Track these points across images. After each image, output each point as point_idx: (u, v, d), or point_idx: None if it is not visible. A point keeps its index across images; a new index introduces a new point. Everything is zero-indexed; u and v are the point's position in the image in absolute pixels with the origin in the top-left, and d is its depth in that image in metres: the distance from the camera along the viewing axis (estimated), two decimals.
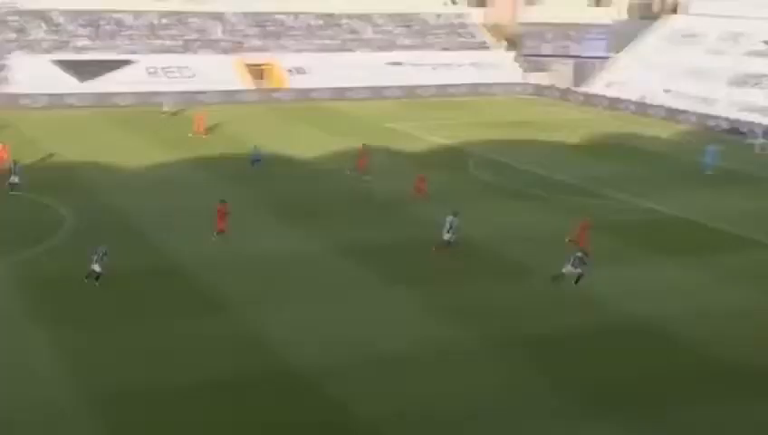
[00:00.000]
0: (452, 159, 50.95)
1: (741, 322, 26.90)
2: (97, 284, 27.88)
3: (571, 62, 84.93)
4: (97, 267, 28.01)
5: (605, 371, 23.36)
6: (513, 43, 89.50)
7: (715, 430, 20.39)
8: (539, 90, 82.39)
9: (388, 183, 44.07)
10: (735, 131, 61.48)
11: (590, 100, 76.76)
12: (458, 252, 33.00)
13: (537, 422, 20.48)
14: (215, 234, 33.34)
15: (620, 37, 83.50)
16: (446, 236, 32.70)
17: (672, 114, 68.71)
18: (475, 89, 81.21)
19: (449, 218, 32.92)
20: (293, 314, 26.71)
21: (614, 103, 74.12)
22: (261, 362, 23.33)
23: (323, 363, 23.30)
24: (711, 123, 64.69)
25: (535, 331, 25.84)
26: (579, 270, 29.33)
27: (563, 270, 29.59)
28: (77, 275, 28.45)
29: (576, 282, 29.21)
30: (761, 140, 56.83)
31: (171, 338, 24.71)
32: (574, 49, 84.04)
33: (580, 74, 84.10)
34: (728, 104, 66.83)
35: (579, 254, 29.72)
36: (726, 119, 64.40)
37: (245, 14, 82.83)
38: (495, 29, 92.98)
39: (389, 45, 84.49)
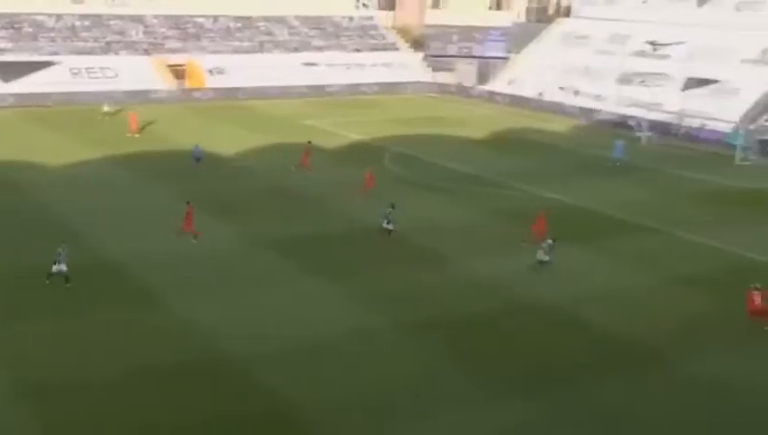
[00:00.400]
0: (368, 154, 51.37)
1: (635, 302, 27.92)
2: (68, 285, 27.02)
3: (474, 62, 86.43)
4: (64, 267, 27.05)
5: (515, 352, 23.90)
6: (420, 44, 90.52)
7: (619, 401, 21.10)
8: (446, 88, 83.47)
9: (310, 178, 44.38)
10: (624, 125, 63.72)
11: (493, 97, 78.21)
12: (378, 242, 33.58)
13: (453, 405, 20.76)
14: (193, 236, 32.46)
15: (519, 39, 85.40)
16: (386, 226, 33.44)
17: (567, 110, 70.63)
18: (386, 88, 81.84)
19: (387, 211, 33.67)
20: (223, 305, 26.58)
21: (515, 100, 75.63)
22: (191, 352, 23.15)
23: (252, 352, 23.23)
24: (602, 118, 66.87)
25: (450, 315, 26.26)
26: (548, 257, 30.35)
27: (538, 257, 30.51)
28: (6, 273, 27.94)
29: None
30: (647, 134, 59.13)
31: (101, 330, 24.28)
32: (477, 50, 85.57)
33: (484, 73, 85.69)
34: (617, 100, 69.19)
35: (550, 241, 30.68)
36: (615, 114, 66.66)
37: (165, 17, 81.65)
38: (403, 31, 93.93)
39: (304, 46, 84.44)
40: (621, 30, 77.15)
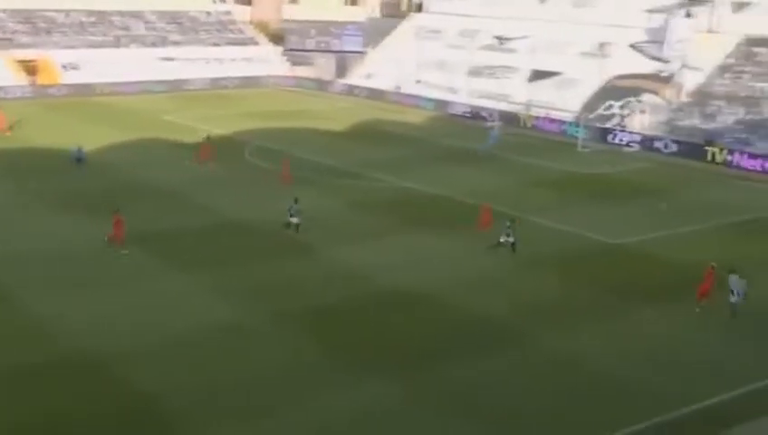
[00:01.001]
0: (228, 147, 50.53)
1: (491, 285, 28.57)
2: None
3: (333, 56, 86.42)
4: None
5: (379, 338, 24.03)
6: (279, 38, 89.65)
7: (478, 380, 21.53)
8: (305, 82, 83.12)
9: (171, 174, 43.20)
10: (477, 116, 65.36)
11: (352, 90, 78.43)
12: (241, 234, 33.08)
13: (319, 391, 20.71)
14: (121, 247, 30.36)
15: (374, 33, 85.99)
16: (294, 220, 32.98)
17: (423, 102, 71.79)
18: (246, 82, 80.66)
19: (294, 206, 33.18)
20: (85, 303, 25.49)
21: (373, 93, 76.10)
22: (52, 351, 22.14)
23: (115, 351, 22.41)
24: (457, 110, 68.33)
25: (316, 305, 26.11)
26: (512, 239, 31.06)
27: (501, 239, 31.22)
28: None
29: (513, 249, 30.99)
30: (497, 123, 60.82)
31: None
32: (335, 44, 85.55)
33: (342, 67, 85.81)
34: (468, 92, 70.87)
35: (508, 223, 31.46)
36: (468, 105, 68.28)
37: (13, 11, 77.28)
38: (261, 25, 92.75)
39: (162, 41, 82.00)
40: (470, 25, 78.97)
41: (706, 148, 51.35)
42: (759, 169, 48.16)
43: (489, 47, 75.71)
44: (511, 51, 73.99)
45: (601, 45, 66.97)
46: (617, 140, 56.15)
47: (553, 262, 31.03)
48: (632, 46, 66.39)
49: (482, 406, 20.25)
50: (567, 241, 33.73)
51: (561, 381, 21.50)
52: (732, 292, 25.44)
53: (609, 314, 26.04)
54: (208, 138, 47.19)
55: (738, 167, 49.05)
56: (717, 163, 49.94)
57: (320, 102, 73.43)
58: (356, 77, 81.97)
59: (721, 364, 22.60)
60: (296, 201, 33.68)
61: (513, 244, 31.47)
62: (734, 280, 25.51)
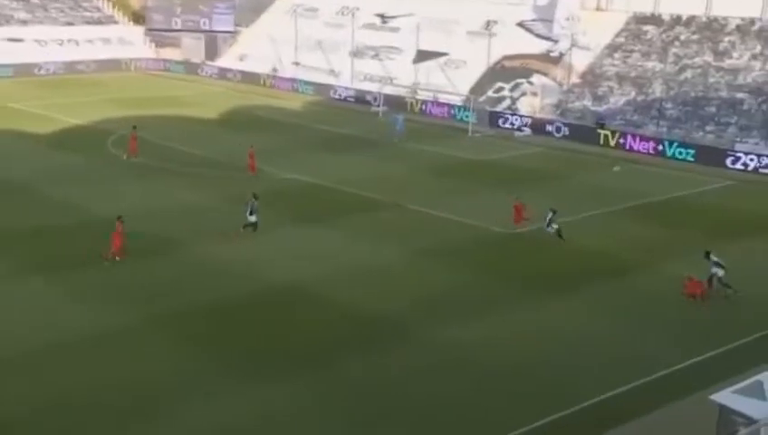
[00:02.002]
0: (88, 138, 48.95)
1: (380, 278, 28.77)
2: None
3: (201, 36, 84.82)
4: None
5: (263, 337, 23.84)
6: (141, 17, 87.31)
7: (368, 377, 21.63)
8: (173, 66, 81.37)
9: (22, 167, 41.43)
10: (361, 100, 65.55)
11: (224, 74, 77.35)
12: (105, 232, 32.06)
13: (202, 398, 20.41)
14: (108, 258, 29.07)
15: (246, 11, 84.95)
16: (252, 219, 32.18)
17: (302, 86, 71.44)
18: (106, 65, 78.24)
19: (251, 202, 32.38)
20: None
21: (248, 77, 75.24)
22: None
23: None
24: (339, 94, 68.30)
25: (193, 305, 25.66)
26: (556, 226, 31.98)
27: (548, 229, 32.15)
28: None
29: (561, 236, 32.06)
30: (384, 108, 61.20)
31: None
32: (203, 23, 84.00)
33: (213, 49, 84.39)
34: (351, 75, 70.99)
35: (550, 213, 32.24)
36: (352, 89, 68.37)
37: None
38: (121, 3, 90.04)
39: (6, 20, 78.44)
40: (350, 2, 78.95)
41: (599, 131, 53.18)
42: (651, 151, 50.22)
43: (371, 26, 75.96)
44: (394, 30, 74.48)
45: (488, 24, 68.34)
46: (508, 125, 57.44)
47: (446, 253, 31.45)
48: (520, 24, 68.05)
49: (376, 406, 20.32)
50: (459, 231, 34.24)
51: (459, 378, 21.77)
52: (717, 265, 27.57)
53: (508, 306, 26.58)
54: (135, 127, 45.60)
55: (630, 150, 51.01)
56: (610, 146, 51.78)
57: (189, 87, 72.07)
58: (228, 59, 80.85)
59: (625, 354, 23.37)
60: (255, 197, 32.70)
61: (558, 230, 32.31)
62: (714, 258, 27.76)
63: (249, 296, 26.75)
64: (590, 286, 28.35)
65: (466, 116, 57.82)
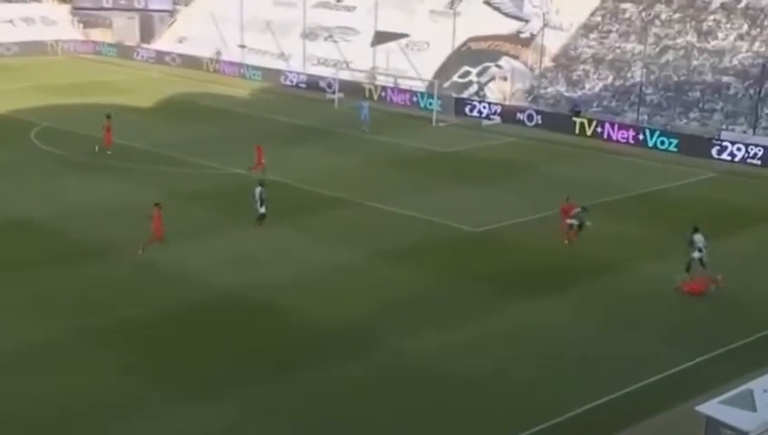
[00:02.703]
0: (8, 129, 48.39)
1: (343, 283, 28.83)
2: None
3: (135, 15, 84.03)
4: None
5: (210, 349, 23.76)
6: None
7: (330, 393, 21.59)
8: (105, 49, 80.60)
9: None
10: (315, 87, 65.43)
11: (162, 58, 76.74)
12: (28, 234, 31.77)
13: (142, 414, 20.32)
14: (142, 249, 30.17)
15: None
16: (262, 210, 33.27)
17: (249, 71, 71.16)
18: (28, 48, 77.25)
19: (258, 190, 33.36)
20: None
21: (189, 61, 74.78)
22: None
23: None
24: (290, 80, 68.13)
25: (127, 316, 25.49)
26: (589, 223, 32.69)
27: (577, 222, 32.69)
28: None
29: (581, 228, 32.77)
30: (339, 96, 61.19)
31: None
32: (138, 1, 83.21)
33: (148, 30, 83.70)
34: (303, 59, 70.81)
35: (580, 210, 32.87)
36: (304, 74, 68.25)
37: None
38: None
39: None
40: None
41: (574, 119, 53.74)
42: (630, 141, 50.85)
43: (324, 5, 75.86)
44: (350, 9, 74.43)
45: (452, 2, 68.61)
46: (475, 113, 57.79)
47: (410, 254, 31.63)
48: (487, 3, 68.41)
49: (333, 423, 20.39)
50: (424, 230, 34.42)
51: (423, 390, 21.92)
52: (698, 249, 29.11)
53: (477, 311, 26.82)
54: (109, 116, 45.29)
55: (609, 139, 51.60)
56: (587, 136, 52.33)
57: (122, 73, 71.51)
58: (166, 42, 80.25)
59: (605, 361, 23.69)
60: (262, 184, 33.69)
61: (580, 225, 32.90)
62: (698, 238, 29.38)
63: (193, 305, 26.63)
64: (566, 288, 28.72)
65: (430, 103, 58.06)
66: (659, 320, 26.57)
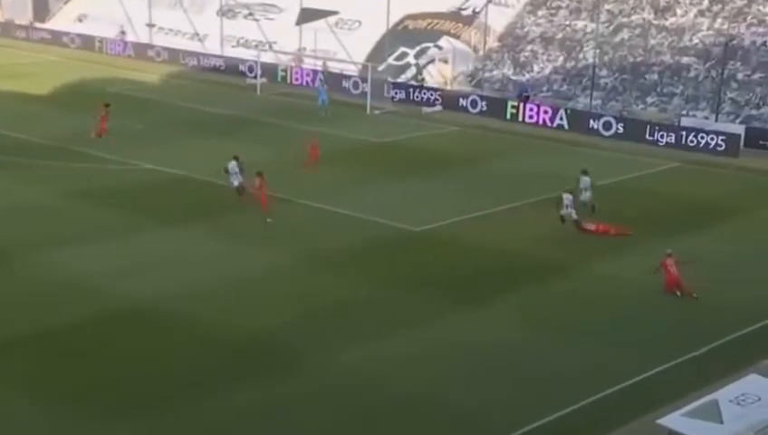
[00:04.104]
0: None
1: (263, 291, 28.74)
2: None
3: None
4: None
5: (115, 368, 23.50)
6: None
7: (234, 416, 21.44)
8: None
9: None
10: (234, 71, 65.11)
11: (59, 39, 75.81)
12: None
13: None
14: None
15: None
16: (236, 183, 36.64)
17: (160, 53, 70.52)
18: None
19: (231, 164, 36.69)
20: None
21: (89, 42, 74.03)
22: None
23: None
24: (205, 63, 67.67)
25: (24, 329, 25.23)
26: (573, 213, 34.38)
27: (561, 212, 34.21)
28: None
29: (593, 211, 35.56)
30: (261, 81, 60.97)
31: None
32: None
33: (42, 7, 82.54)
34: (221, 39, 70.33)
35: (564, 195, 34.63)
36: (221, 57, 67.84)
37: None
38: None
39: None
40: None
41: (518, 105, 54.31)
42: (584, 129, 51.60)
43: None
44: None
45: None
46: (414, 98, 58.04)
47: (343, 257, 31.73)
48: None
49: None
50: (359, 230, 34.55)
51: (354, 410, 22.00)
52: (582, 190, 34.86)
53: (415, 320, 26.92)
54: (107, 106, 45.94)
55: (559, 128, 52.26)
56: (536, 124, 52.94)
57: (12, 55, 70.61)
58: (63, 20, 79.12)
59: (555, 373, 23.93)
60: (237, 159, 36.66)
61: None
62: (585, 180, 35.20)
63: (93, 318, 26.31)
64: (512, 292, 29.03)
65: (363, 89, 58.16)
66: (615, 326, 26.93)
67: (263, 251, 32.04)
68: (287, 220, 35.49)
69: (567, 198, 34.19)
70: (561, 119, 52.49)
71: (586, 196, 35.81)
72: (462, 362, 24.58)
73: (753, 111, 51.43)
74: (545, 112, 53.11)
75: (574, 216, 34.21)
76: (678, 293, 28.60)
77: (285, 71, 63.47)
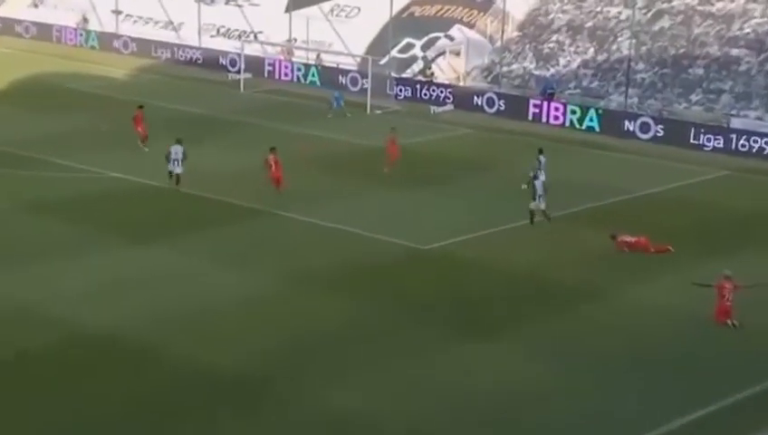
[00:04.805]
0: None
1: (230, 315, 28.62)
2: None
3: None
4: None
5: (64, 402, 23.36)
6: None
7: None
8: None
9: None
10: (213, 65, 65.14)
11: (11, 28, 76.11)
12: None
13: None
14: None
15: None
16: (177, 170, 39.43)
17: (128, 45, 70.65)
18: None
19: (174, 148, 39.16)
20: None
21: (47, 32, 74.31)
22: None
23: None
24: (180, 55, 67.73)
25: None
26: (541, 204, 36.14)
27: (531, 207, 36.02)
28: None
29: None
30: (246, 76, 60.98)
31: None
32: None
33: None
34: (199, 29, 70.29)
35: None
36: (198, 48, 67.90)
37: None
38: None
39: None
40: None
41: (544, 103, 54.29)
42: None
43: None
44: None
45: None
46: (421, 96, 57.99)
47: (334, 280, 31.58)
48: None
49: None
50: (355, 248, 34.47)
51: None
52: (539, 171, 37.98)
53: (412, 353, 26.64)
54: (141, 107, 47.07)
55: (589, 130, 52.15)
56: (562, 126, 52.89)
57: None
58: (16, 6, 79.32)
59: (568, 420, 23.56)
60: (180, 142, 38.83)
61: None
62: (542, 160, 38.95)
63: (49, 349, 26.16)
64: (530, 322, 28.70)
65: (363, 85, 58.12)
66: (639, 363, 26.41)
67: (243, 272, 31.94)
68: (271, 236, 35.44)
69: (538, 185, 36.28)
70: (591, 120, 52.47)
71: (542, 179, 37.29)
72: (462, 400, 24.16)
73: None
74: (573, 112, 53.03)
75: (542, 206, 36.27)
76: (732, 323, 28.11)
77: (273, 65, 63.46)
